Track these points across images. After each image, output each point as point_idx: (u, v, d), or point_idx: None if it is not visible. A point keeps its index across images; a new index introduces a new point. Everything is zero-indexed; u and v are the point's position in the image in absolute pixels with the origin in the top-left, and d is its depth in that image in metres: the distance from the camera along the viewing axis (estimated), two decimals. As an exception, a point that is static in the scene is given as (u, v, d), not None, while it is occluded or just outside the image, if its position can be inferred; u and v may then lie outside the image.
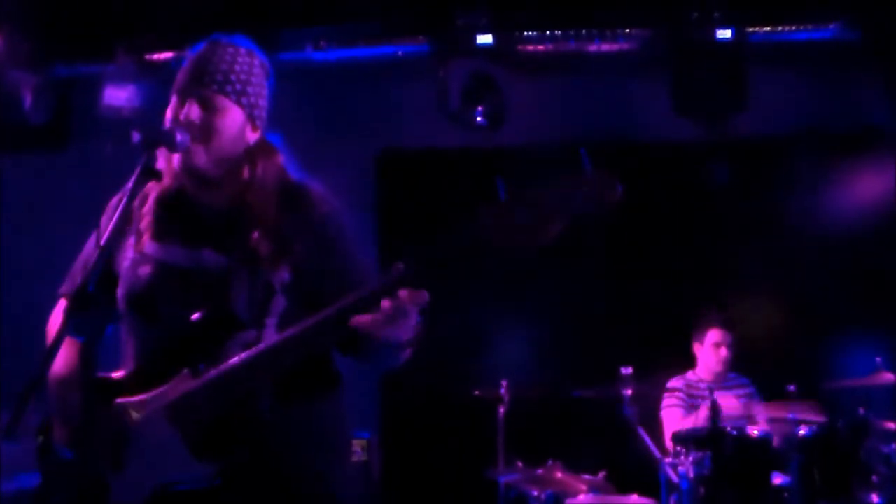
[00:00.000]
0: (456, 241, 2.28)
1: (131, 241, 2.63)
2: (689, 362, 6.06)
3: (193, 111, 2.56)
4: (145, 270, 2.60)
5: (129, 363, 2.63)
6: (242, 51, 2.65)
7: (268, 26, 5.93)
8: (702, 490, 5.00)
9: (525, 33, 6.15)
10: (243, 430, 2.46)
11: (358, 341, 2.41)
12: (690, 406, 5.83)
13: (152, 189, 2.64)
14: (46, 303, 2.85)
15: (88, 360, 2.54)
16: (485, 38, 5.92)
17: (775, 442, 5.21)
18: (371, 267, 2.62)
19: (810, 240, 6.42)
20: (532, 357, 6.37)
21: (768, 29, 6.08)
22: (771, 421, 5.38)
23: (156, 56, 6.19)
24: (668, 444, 5.48)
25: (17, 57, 6.03)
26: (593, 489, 5.15)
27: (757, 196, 6.61)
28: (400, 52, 6.27)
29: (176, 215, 2.64)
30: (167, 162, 2.58)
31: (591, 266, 6.51)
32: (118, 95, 6.09)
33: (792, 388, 5.32)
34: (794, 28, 6.10)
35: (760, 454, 5.09)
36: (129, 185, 2.44)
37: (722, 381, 5.90)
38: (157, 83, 5.99)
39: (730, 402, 5.68)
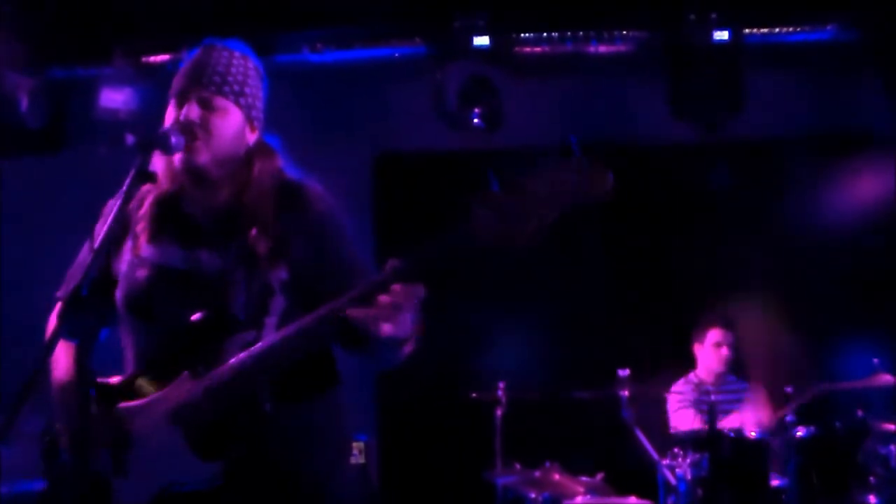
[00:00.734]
0: (450, 235, 2.28)
1: (128, 244, 2.64)
2: (686, 364, 6.06)
3: (193, 111, 2.58)
4: (143, 273, 2.61)
5: (129, 366, 2.63)
6: (237, 54, 2.68)
7: (264, 29, 5.94)
8: (699, 492, 5.00)
9: (522, 35, 6.15)
10: (245, 430, 2.47)
11: (356, 338, 2.41)
12: (699, 407, 5.82)
13: (149, 192, 2.65)
14: (43, 305, 2.85)
15: (83, 363, 2.54)
16: (482, 40, 5.92)
17: (773, 443, 5.22)
18: (368, 265, 2.62)
19: (808, 241, 6.42)
20: (529, 359, 6.37)
21: (765, 30, 6.08)
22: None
23: (152, 59, 6.19)
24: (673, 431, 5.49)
25: (13, 59, 6.02)
26: (591, 491, 5.15)
27: (754, 198, 6.61)
28: (397, 55, 6.27)
29: (173, 217, 2.65)
30: (167, 164, 2.59)
31: (589, 268, 6.52)
32: (115, 98, 6.09)
33: (789, 389, 5.32)
34: (791, 29, 6.10)
35: (758, 456, 5.09)
36: (124, 187, 2.44)
37: (722, 384, 5.90)
38: (153, 86, 5.99)
39: (733, 419, 5.67)
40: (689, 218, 6.62)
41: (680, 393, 5.90)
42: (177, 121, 2.58)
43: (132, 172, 2.43)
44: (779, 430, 5.28)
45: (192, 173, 2.59)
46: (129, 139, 2.45)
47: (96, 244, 2.36)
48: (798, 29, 6.06)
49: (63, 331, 2.28)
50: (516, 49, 6.17)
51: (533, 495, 5.17)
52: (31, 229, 6.46)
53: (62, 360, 2.62)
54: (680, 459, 5.12)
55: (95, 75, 6.20)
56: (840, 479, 5.03)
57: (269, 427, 2.50)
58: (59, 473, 2.58)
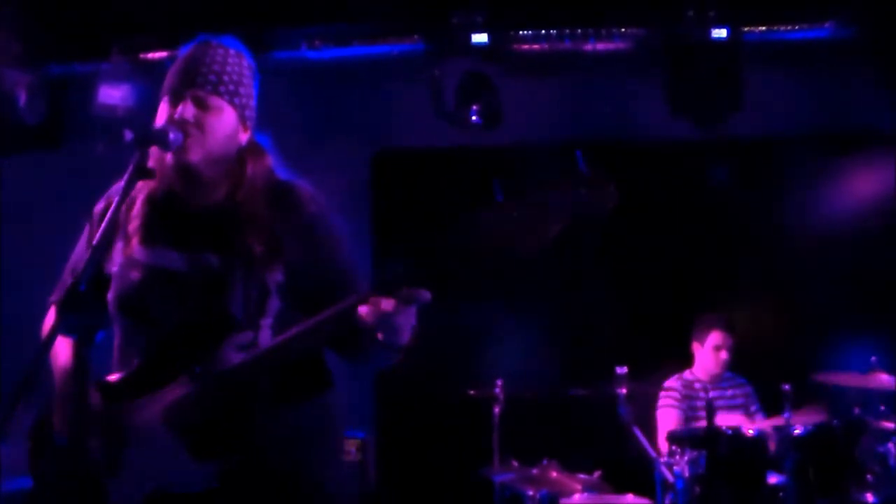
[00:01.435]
0: (455, 244, 2.27)
1: (119, 245, 2.62)
2: (684, 362, 6.06)
3: (188, 110, 2.56)
4: (135, 275, 2.59)
5: (124, 366, 2.62)
6: (232, 52, 2.66)
7: (262, 25, 5.93)
8: (697, 489, 5.00)
9: (520, 32, 6.14)
10: (240, 431, 2.46)
11: (355, 342, 2.41)
12: (688, 407, 5.84)
13: (140, 191, 2.63)
14: (40, 303, 2.85)
15: (81, 360, 2.53)
16: (480, 38, 5.91)
17: (770, 441, 5.22)
18: (360, 266, 2.62)
19: (806, 239, 6.43)
20: (527, 356, 6.37)
21: (763, 28, 6.08)
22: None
23: (150, 55, 6.18)
24: (663, 444, 5.48)
25: (11, 56, 6.01)
26: (588, 489, 5.15)
27: (752, 195, 6.61)
28: (395, 52, 6.26)
29: (165, 217, 2.63)
30: (159, 162, 2.57)
31: (587, 265, 6.52)
32: (112, 94, 6.08)
33: (787, 387, 5.32)
34: (789, 27, 6.10)
35: (756, 453, 5.09)
36: (122, 184, 2.43)
37: (718, 382, 5.91)
38: (151, 82, 5.98)
39: (730, 416, 5.69)
40: (687, 215, 6.62)
41: (669, 390, 5.90)
42: (171, 119, 2.57)
43: (130, 169, 2.42)
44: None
45: (184, 172, 2.57)
46: (127, 135, 2.44)
47: (94, 241, 2.35)
48: (796, 27, 6.06)
49: (61, 327, 2.27)
50: (514, 46, 6.16)
51: (530, 493, 5.17)
52: (28, 226, 6.45)
53: (63, 354, 2.61)
54: (677, 457, 5.12)
55: (93, 72, 6.19)
56: (837, 477, 5.03)
57: (264, 429, 2.50)
58: (48, 471, 2.57)
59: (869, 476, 5.00)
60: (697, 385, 5.89)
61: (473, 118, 6.04)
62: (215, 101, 2.59)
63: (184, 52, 2.67)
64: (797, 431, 5.11)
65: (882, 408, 5.20)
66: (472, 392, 5.57)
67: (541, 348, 6.45)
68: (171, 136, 2.50)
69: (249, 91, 2.68)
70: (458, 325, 6.31)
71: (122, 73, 6.13)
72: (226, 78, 2.60)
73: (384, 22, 6.18)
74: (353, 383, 2.82)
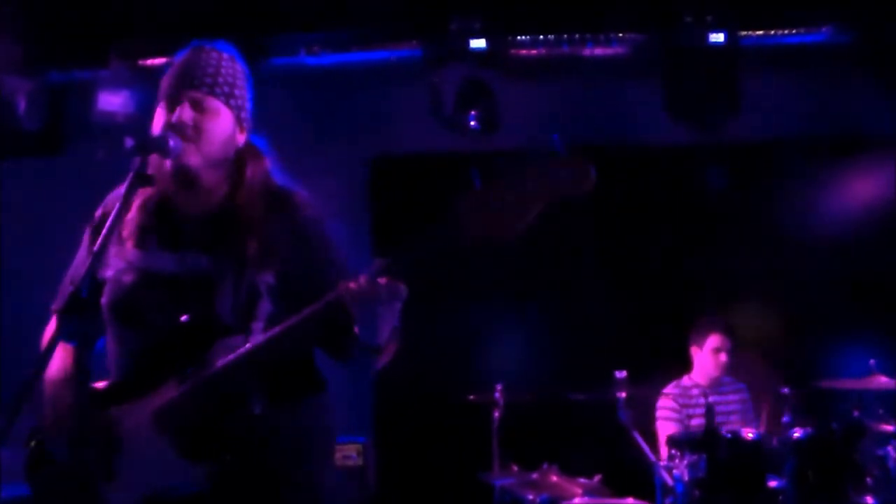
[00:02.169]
0: (433, 233, 2.29)
1: (114, 249, 2.62)
2: (684, 366, 6.06)
3: (186, 113, 2.57)
4: (129, 278, 2.60)
5: (116, 371, 2.62)
6: (225, 56, 2.68)
7: (261, 31, 5.94)
8: (697, 493, 5.00)
9: (518, 37, 6.16)
10: (232, 434, 2.47)
11: (338, 340, 2.42)
12: (685, 416, 5.84)
13: (137, 195, 2.63)
14: (41, 309, 2.85)
15: (82, 366, 2.54)
16: (478, 43, 5.92)
17: (770, 444, 5.22)
18: (355, 270, 2.62)
19: (804, 243, 6.43)
20: (527, 361, 6.37)
21: (761, 33, 6.10)
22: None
23: (150, 61, 6.19)
24: (664, 453, 5.49)
25: (11, 62, 6.02)
26: (589, 493, 5.15)
27: (750, 199, 6.62)
28: (393, 57, 6.28)
29: (161, 221, 2.64)
30: (157, 166, 2.58)
31: (586, 269, 6.52)
32: (112, 101, 6.09)
33: (786, 390, 5.32)
34: (786, 31, 6.11)
35: (755, 457, 5.10)
36: (120, 191, 2.44)
37: (717, 386, 5.90)
38: (150, 89, 5.98)
39: (729, 421, 5.70)
40: (685, 219, 6.62)
41: (667, 397, 5.89)
42: (169, 123, 2.58)
43: (131, 176, 2.43)
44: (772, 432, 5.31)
45: (182, 176, 2.58)
46: (128, 142, 2.45)
47: (97, 246, 2.36)
48: (794, 31, 6.08)
49: (63, 333, 2.28)
50: (513, 51, 6.18)
51: (531, 497, 5.17)
52: (28, 231, 6.46)
53: (55, 360, 2.60)
54: (677, 460, 5.12)
55: (93, 78, 6.21)
56: (837, 481, 5.03)
57: (257, 430, 2.50)
58: (46, 478, 2.57)
59: (868, 479, 5.00)
60: (695, 391, 5.89)
61: (472, 123, 6.05)
62: (212, 102, 2.60)
63: (178, 57, 2.69)
64: (797, 435, 5.11)
65: (881, 411, 5.21)
66: (471, 396, 5.57)
67: (540, 352, 6.45)
68: (172, 142, 2.52)
69: (244, 94, 2.70)
70: (458, 329, 6.33)
71: (122, 79, 6.14)
72: (221, 80, 2.62)
73: (383, 28, 6.19)
74: (353, 388, 2.83)
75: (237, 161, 2.66)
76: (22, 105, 6.18)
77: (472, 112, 6.02)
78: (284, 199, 2.65)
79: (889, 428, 5.06)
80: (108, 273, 2.62)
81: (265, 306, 2.54)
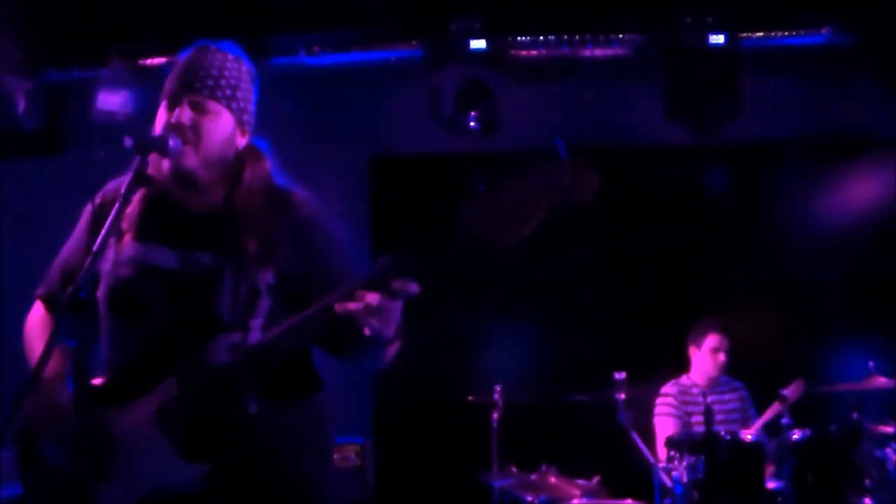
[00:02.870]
0: (439, 237, 2.28)
1: (111, 242, 2.61)
2: (682, 367, 6.07)
3: (185, 114, 2.57)
4: (127, 272, 2.59)
5: (112, 367, 2.61)
6: (230, 56, 2.67)
7: (261, 31, 5.94)
8: (695, 494, 5.00)
9: (518, 38, 6.16)
10: (229, 432, 2.46)
11: (341, 337, 2.42)
12: (684, 413, 5.84)
13: (138, 191, 2.63)
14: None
15: (81, 366, 2.53)
16: (478, 44, 5.92)
17: (769, 446, 5.22)
18: (356, 269, 2.62)
19: (803, 244, 6.44)
20: (526, 362, 6.38)
21: (761, 34, 6.10)
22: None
23: (149, 61, 6.19)
24: (662, 453, 5.49)
25: (10, 61, 6.02)
26: (587, 494, 5.15)
27: (750, 201, 6.62)
28: (393, 58, 6.28)
29: (160, 217, 2.64)
30: (156, 165, 2.58)
31: (586, 270, 6.52)
32: (111, 101, 6.08)
33: (785, 392, 5.32)
34: (786, 33, 6.11)
35: (754, 458, 5.10)
36: (120, 182, 2.44)
37: (716, 386, 5.91)
38: (150, 88, 5.99)
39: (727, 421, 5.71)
40: (684, 221, 6.62)
41: (666, 396, 5.90)
42: (169, 124, 2.58)
43: (131, 175, 2.43)
44: (773, 433, 5.31)
45: (181, 176, 2.59)
46: (127, 142, 2.45)
47: (95, 246, 2.36)
48: (793, 33, 6.08)
49: (62, 333, 2.27)
50: (513, 52, 6.18)
51: (529, 498, 5.17)
52: (27, 231, 6.45)
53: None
54: (676, 462, 5.12)
55: (92, 78, 6.20)
56: (836, 482, 5.03)
57: (254, 429, 2.50)
58: (38, 478, 2.56)
59: (867, 481, 5.00)
60: (695, 390, 5.89)
61: (471, 124, 6.04)
62: (212, 105, 2.60)
63: (182, 56, 2.68)
64: (795, 437, 5.12)
65: (880, 413, 5.21)
66: (470, 398, 5.57)
67: (539, 354, 6.45)
68: (171, 143, 2.52)
69: (247, 96, 2.69)
70: (457, 330, 6.33)
71: (121, 79, 6.14)
72: (223, 83, 2.61)
73: (382, 28, 6.19)
74: (352, 389, 2.83)
75: (237, 163, 2.65)
76: (21, 105, 6.18)
77: (472, 113, 6.02)
78: (284, 198, 2.65)
79: (888, 429, 5.06)
80: (106, 266, 2.61)
81: (264, 304, 2.54)
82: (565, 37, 6.13)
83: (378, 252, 2.35)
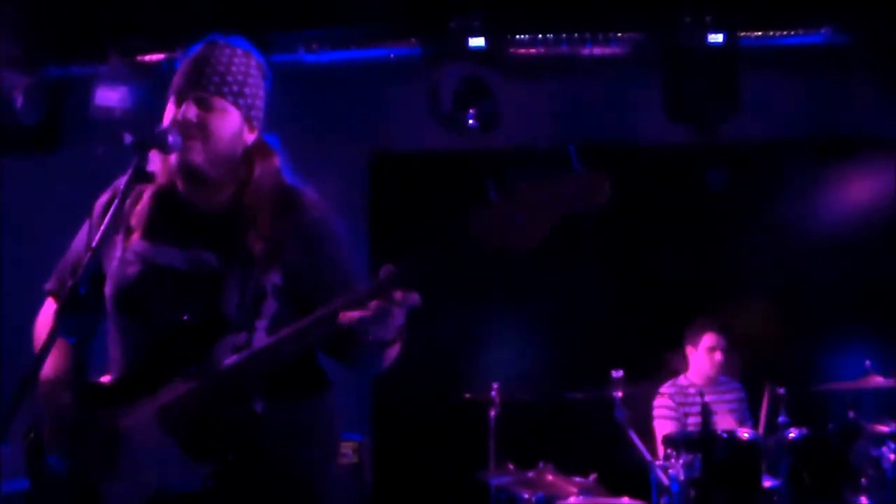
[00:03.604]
0: (447, 243, 2.28)
1: (119, 239, 2.62)
2: (680, 365, 6.08)
3: (190, 111, 2.57)
4: (134, 270, 2.59)
5: (118, 366, 2.61)
6: (239, 52, 2.66)
7: (260, 28, 5.92)
8: (692, 493, 5.01)
9: (518, 36, 6.15)
10: (236, 432, 2.47)
11: (344, 342, 2.42)
12: (682, 414, 5.85)
13: (146, 188, 2.63)
14: (38, 304, 2.85)
15: (80, 362, 2.54)
16: (477, 41, 5.93)
17: (765, 445, 5.23)
18: (360, 273, 2.62)
19: (801, 243, 6.44)
20: (523, 360, 6.38)
21: (760, 33, 6.10)
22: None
23: (147, 57, 6.19)
24: (661, 452, 5.50)
25: (8, 57, 6.02)
26: (584, 491, 5.16)
27: (749, 200, 6.62)
28: (392, 55, 6.27)
29: (169, 215, 2.63)
30: (163, 162, 2.58)
31: (583, 269, 6.53)
32: (110, 96, 6.08)
33: (782, 391, 5.33)
34: (786, 32, 6.12)
35: (751, 457, 5.10)
36: (121, 186, 2.44)
37: (713, 385, 5.92)
38: (148, 84, 5.99)
39: (725, 420, 5.72)
40: (683, 220, 6.63)
41: (663, 396, 5.90)
42: (174, 120, 2.57)
43: (130, 171, 2.43)
44: (769, 432, 5.31)
45: (188, 172, 2.59)
46: (127, 138, 2.44)
47: (94, 242, 2.36)
48: (793, 32, 6.08)
49: (60, 329, 2.27)
50: (512, 50, 6.18)
51: (526, 496, 5.18)
52: (25, 227, 6.45)
53: (51, 356, 2.60)
54: (673, 460, 5.13)
55: (91, 74, 6.20)
56: (832, 481, 5.04)
57: (261, 429, 2.50)
58: (44, 472, 2.56)
59: (863, 479, 5.01)
60: (692, 390, 5.89)
61: (471, 122, 6.05)
62: (218, 102, 2.59)
63: (191, 52, 2.67)
64: (792, 435, 5.12)
65: (877, 411, 5.22)
66: (468, 395, 5.57)
67: (537, 352, 6.45)
68: (171, 139, 2.51)
69: (256, 91, 2.68)
70: (455, 328, 6.33)
71: (120, 75, 6.13)
72: (230, 79, 2.60)
73: (382, 26, 6.19)
74: (350, 386, 2.83)
75: (245, 159, 2.65)
76: (19, 100, 6.17)
77: (471, 111, 6.02)
78: (293, 199, 2.64)
79: (884, 428, 5.07)
80: (113, 263, 2.61)
81: (270, 305, 2.53)
82: (564, 35, 6.13)
83: (377, 250, 2.36)
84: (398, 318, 2.32)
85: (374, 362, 2.51)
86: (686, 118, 6.07)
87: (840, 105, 6.59)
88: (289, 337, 2.40)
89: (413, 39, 6.17)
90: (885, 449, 5.02)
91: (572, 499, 5.10)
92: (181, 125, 2.54)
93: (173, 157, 2.56)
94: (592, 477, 5.25)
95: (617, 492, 5.26)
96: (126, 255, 2.61)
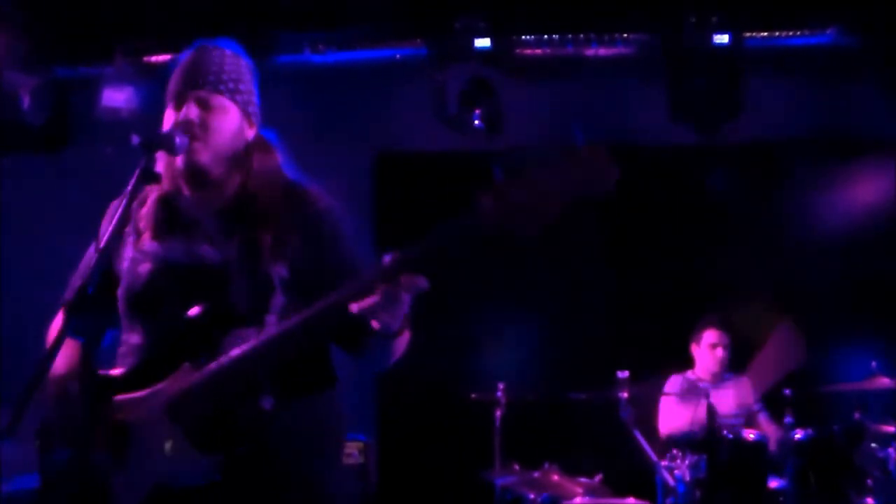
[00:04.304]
0: (454, 224, 2.28)
1: (130, 241, 2.65)
2: (685, 365, 6.08)
3: (192, 111, 2.59)
4: (145, 268, 2.62)
5: (129, 361, 2.63)
6: (228, 52, 2.70)
7: (266, 29, 5.95)
8: (698, 493, 5.01)
9: (523, 37, 6.16)
10: (243, 425, 2.48)
11: (352, 333, 2.43)
12: (693, 405, 5.84)
13: (152, 189, 2.66)
14: (45, 305, 2.85)
15: (89, 360, 2.55)
16: (483, 42, 5.93)
17: (771, 445, 5.23)
18: (367, 263, 2.63)
19: (806, 244, 6.43)
20: (529, 360, 6.38)
21: (765, 34, 6.10)
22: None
23: (154, 58, 6.20)
24: (662, 430, 5.50)
25: (16, 58, 6.03)
26: (590, 492, 5.16)
27: (753, 201, 6.62)
28: (398, 56, 6.28)
29: (176, 213, 2.66)
30: (168, 163, 2.60)
31: (589, 269, 6.53)
32: (117, 97, 6.10)
33: (788, 392, 5.33)
34: (791, 33, 6.11)
35: (756, 458, 5.10)
36: (129, 188, 2.46)
37: (720, 382, 5.93)
38: (155, 85, 5.99)
39: (726, 400, 5.72)
40: (688, 220, 6.63)
41: (672, 392, 5.90)
42: (176, 122, 2.60)
43: (137, 173, 2.44)
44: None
45: (194, 172, 2.61)
46: (134, 139, 2.46)
47: (101, 243, 2.37)
48: (798, 33, 6.08)
49: (69, 329, 2.28)
50: (517, 51, 6.18)
51: (532, 496, 5.18)
52: (32, 228, 6.47)
53: (61, 354, 2.61)
54: (678, 461, 5.13)
55: (97, 74, 6.22)
56: (838, 482, 5.04)
57: (268, 424, 2.51)
58: (55, 468, 2.58)
59: (869, 480, 5.01)
60: (700, 384, 5.91)
61: (475, 122, 6.05)
62: (217, 99, 2.62)
63: (182, 57, 2.71)
64: (798, 436, 5.12)
65: (882, 413, 5.21)
66: (473, 395, 5.57)
67: (542, 352, 6.45)
68: (178, 140, 2.53)
69: (250, 88, 2.71)
70: (460, 328, 6.33)
71: (126, 76, 6.15)
72: (225, 77, 2.64)
73: (387, 26, 6.20)
74: (355, 386, 2.84)
75: (247, 154, 2.67)
76: (26, 101, 6.19)
77: (476, 111, 6.03)
78: (296, 193, 2.67)
79: (890, 429, 5.06)
80: (125, 264, 2.64)
81: (278, 299, 2.55)
82: (569, 36, 6.13)
83: (382, 249, 2.36)
84: (405, 304, 2.32)
85: (381, 355, 2.52)
86: (691, 119, 6.07)
87: (844, 106, 6.58)
88: (296, 327, 2.41)
89: (418, 40, 6.18)
90: (891, 450, 5.01)
91: (578, 499, 5.11)
92: (184, 126, 2.56)
93: (179, 159, 2.58)
94: (598, 477, 5.25)
95: (622, 492, 5.27)
96: (137, 255, 2.63)
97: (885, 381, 5.24)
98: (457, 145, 6.36)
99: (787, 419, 5.24)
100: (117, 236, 2.45)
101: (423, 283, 2.29)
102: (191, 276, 2.58)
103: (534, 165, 2.19)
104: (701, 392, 5.62)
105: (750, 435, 5.21)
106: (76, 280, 2.78)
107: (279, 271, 2.55)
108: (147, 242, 2.64)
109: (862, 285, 6.37)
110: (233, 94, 2.64)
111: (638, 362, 5.48)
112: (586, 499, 5.11)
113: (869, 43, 5.97)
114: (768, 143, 6.64)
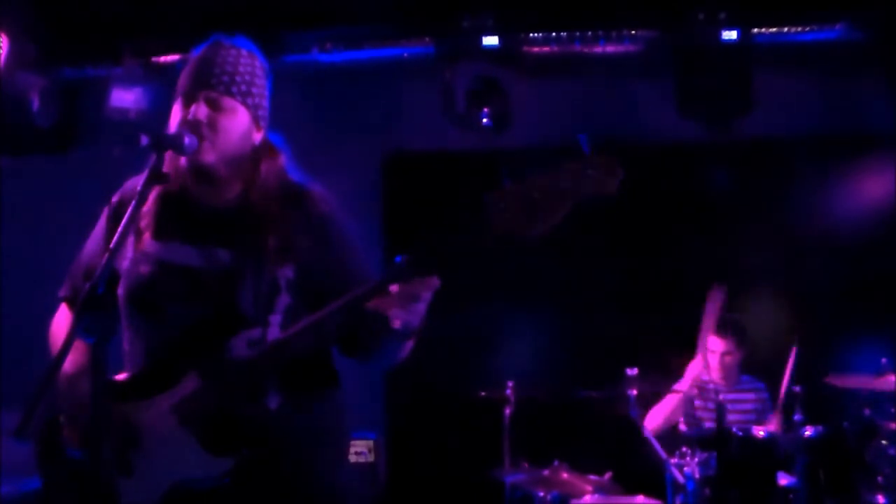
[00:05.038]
0: (463, 229, 2.30)
1: (131, 240, 2.64)
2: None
3: (201, 111, 2.59)
4: (146, 269, 2.62)
5: (134, 363, 2.63)
6: (244, 52, 2.68)
7: (274, 28, 5.96)
8: (707, 491, 5.00)
9: (531, 35, 6.16)
10: (252, 427, 2.48)
11: (364, 334, 2.43)
12: (699, 406, 5.82)
13: (154, 189, 2.65)
14: (50, 305, 2.87)
15: (99, 361, 2.55)
16: (491, 40, 5.93)
17: (781, 443, 5.21)
18: (371, 266, 2.64)
19: (815, 241, 6.42)
20: (538, 358, 6.38)
21: (774, 30, 6.08)
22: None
23: (162, 59, 6.22)
24: (650, 421, 5.50)
25: (24, 59, 6.05)
26: (599, 490, 5.16)
27: (762, 197, 6.61)
28: (406, 54, 6.28)
29: (178, 214, 2.66)
30: (172, 162, 2.60)
31: (598, 267, 6.52)
32: (125, 98, 6.11)
33: (797, 389, 5.32)
34: (799, 29, 6.10)
35: (766, 455, 5.09)
36: (137, 181, 2.46)
37: (734, 385, 5.87)
38: (163, 86, 6.01)
39: (743, 406, 5.70)
40: (696, 217, 6.61)
41: (685, 381, 5.88)
42: (185, 120, 2.59)
43: (146, 173, 2.44)
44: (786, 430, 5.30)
45: (199, 172, 2.61)
46: (143, 139, 2.46)
47: (112, 243, 2.37)
48: (807, 29, 6.06)
49: (79, 330, 2.29)
50: (525, 49, 6.18)
51: (541, 494, 5.18)
52: (39, 228, 6.48)
53: (70, 354, 2.61)
54: (688, 458, 5.13)
55: (106, 75, 6.23)
56: (848, 479, 5.03)
57: (275, 426, 2.51)
58: (60, 473, 2.58)
59: (879, 478, 4.99)
60: (711, 386, 5.88)
61: (484, 121, 6.05)
62: (228, 101, 2.61)
63: (196, 52, 2.70)
64: (808, 433, 5.11)
65: (893, 409, 5.19)
66: (483, 393, 5.57)
67: (551, 350, 6.45)
68: (187, 140, 2.53)
69: (262, 91, 2.70)
70: (470, 327, 6.33)
71: (135, 76, 6.16)
72: (238, 78, 2.63)
73: (395, 25, 6.20)
74: (364, 385, 2.85)
75: (253, 158, 2.67)
76: (35, 102, 6.20)
77: (485, 109, 6.02)
78: (301, 195, 2.67)
79: (901, 426, 5.05)
80: (124, 264, 2.63)
81: (284, 300, 2.56)
82: (577, 33, 6.12)
83: (391, 248, 2.37)
84: (424, 303, 2.33)
85: (394, 353, 2.52)
86: (699, 115, 6.06)
87: (854, 102, 6.56)
88: (305, 329, 2.41)
89: (426, 38, 6.18)
90: (901, 447, 5.00)
91: (587, 497, 5.11)
92: (192, 125, 2.56)
93: (184, 158, 2.57)
94: (607, 475, 5.25)
95: (632, 490, 5.27)
96: (138, 255, 2.62)
97: (895, 378, 5.22)
98: (465, 144, 6.36)
99: (797, 416, 5.23)
100: (125, 238, 2.45)
101: (435, 282, 2.30)
102: (195, 278, 2.58)
103: (539, 171, 2.23)
104: (711, 401, 5.61)
105: (760, 432, 5.19)
106: (74, 277, 2.78)
107: (285, 272, 2.56)
108: (148, 242, 2.63)
109: (871, 281, 6.35)
110: (244, 96, 2.63)
111: (647, 360, 5.47)
112: (596, 497, 5.11)
113: (878, 39, 5.95)
114: (777, 139, 6.62)
